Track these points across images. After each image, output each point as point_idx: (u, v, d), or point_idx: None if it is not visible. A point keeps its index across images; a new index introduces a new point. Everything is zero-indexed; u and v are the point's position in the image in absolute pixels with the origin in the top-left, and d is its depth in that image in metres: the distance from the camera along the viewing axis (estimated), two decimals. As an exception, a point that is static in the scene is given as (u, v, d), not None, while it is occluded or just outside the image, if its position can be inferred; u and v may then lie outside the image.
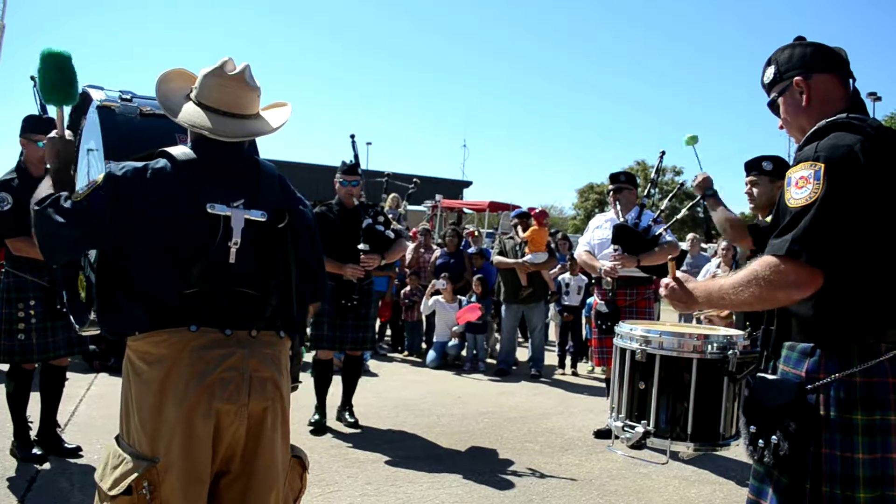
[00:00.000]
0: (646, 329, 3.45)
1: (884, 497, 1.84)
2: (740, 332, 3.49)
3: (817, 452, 1.86)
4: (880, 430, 1.84)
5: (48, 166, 2.43)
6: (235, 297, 2.18)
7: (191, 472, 2.06)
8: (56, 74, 2.52)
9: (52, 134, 2.47)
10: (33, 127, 4.30)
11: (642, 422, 3.31)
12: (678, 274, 2.21)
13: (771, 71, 2.14)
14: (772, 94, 2.15)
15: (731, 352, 3.21)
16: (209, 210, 2.14)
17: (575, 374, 8.54)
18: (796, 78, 2.06)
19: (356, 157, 5.68)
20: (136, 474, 2.03)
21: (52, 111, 3.56)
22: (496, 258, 8.36)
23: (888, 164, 1.85)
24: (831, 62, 2.06)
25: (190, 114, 2.24)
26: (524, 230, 8.32)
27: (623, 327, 3.56)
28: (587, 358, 8.84)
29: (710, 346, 3.27)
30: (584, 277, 8.77)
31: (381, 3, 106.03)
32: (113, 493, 2.04)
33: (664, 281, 2.23)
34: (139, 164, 2.18)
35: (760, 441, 1.93)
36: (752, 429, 1.97)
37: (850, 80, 2.08)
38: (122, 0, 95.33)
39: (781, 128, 2.16)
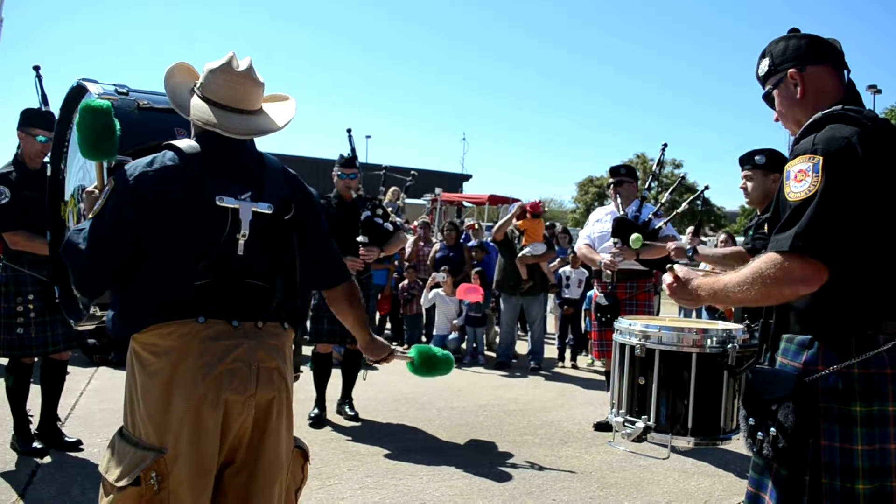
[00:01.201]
0: (645, 324, 3.45)
1: (882, 488, 1.84)
2: (739, 326, 3.49)
3: (816, 444, 1.86)
4: (878, 421, 1.84)
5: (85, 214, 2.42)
6: (243, 289, 2.19)
7: (198, 462, 2.07)
8: (98, 129, 2.45)
9: (92, 188, 2.48)
10: (31, 120, 4.28)
11: (643, 417, 3.31)
12: (679, 270, 2.19)
13: (765, 63, 2.13)
14: (766, 86, 2.14)
15: (730, 346, 3.21)
16: (218, 203, 2.15)
17: (575, 366, 8.54)
18: (790, 70, 2.05)
19: (353, 150, 5.68)
20: (144, 465, 2.03)
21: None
22: (494, 234, 8.36)
23: (885, 155, 1.85)
24: (825, 54, 2.05)
25: (198, 109, 2.25)
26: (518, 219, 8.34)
27: (622, 323, 3.56)
28: (587, 351, 8.86)
29: (709, 341, 3.27)
30: (584, 270, 8.76)
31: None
32: (120, 484, 2.04)
33: (666, 280, 2.21)
34: (146, 159, 2.19)
35: (759, 433, 1.93)
36: (751, 421, 1.96)
37: (845, 72, 2.07)
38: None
39: (777, 120, 2.15)
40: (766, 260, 1.87)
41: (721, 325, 3.62)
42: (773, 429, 1.89)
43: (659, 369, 3.30)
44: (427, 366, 2.81)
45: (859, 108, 1.96)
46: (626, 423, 3.39)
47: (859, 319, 1.87)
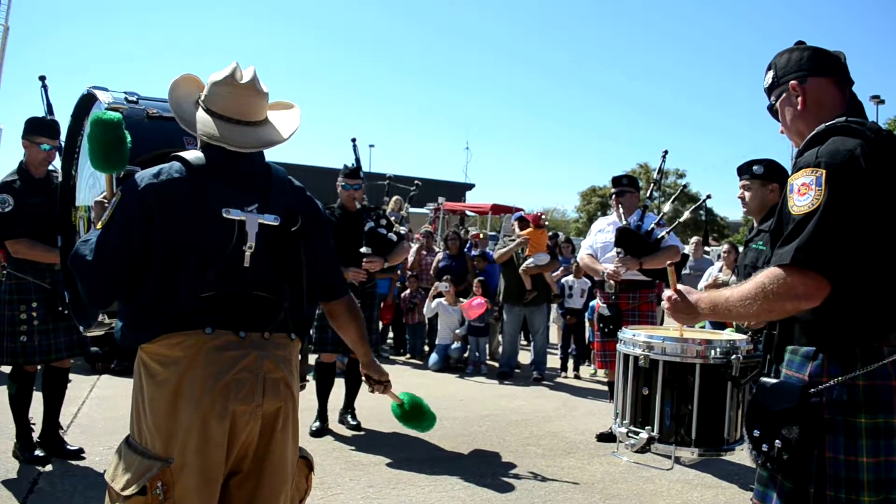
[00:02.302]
0: (648, 335, 3.44)
1: (887, 501, 1.83)
2: (743, 337, 3.49)
3: (821, 456, 1.85)
4: (884, 433, 1.84)
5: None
6: (250, 300, 2.19)
7: (205, 472, 2.07)
8: (108, 142, 2.46)
9: (101, 197, 2.48)
10: (36, 129, 4.30)
11: (646, 427, 3.30)
12: (679, 286, 2.19)
13: (770, 75, 2.14)
14: (771, 98, 2.15)
15: (734, 356, 3.20)
16: (224, 215, 2.15)
17: (577, 377, 8.51)
18: (791, 82, 2.06)
19: (358, 160, 5.68)
20: (150, 474, 2.03)
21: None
22: (497, 252, 8.35)
23: (888, 167, 1.85)
24: (828, 66, 2.06)
25: (203, 123, 2.25)
26: (521, 230, 8.34)
27: (626, 333, 3.55)
28: (590, 361, 8.85)
29: (712, 352, 3.26)
30: (587, 280, 8.75)
31: (384, 5, 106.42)
32: (126, 493, 2.04)
33: (666, 293, 2.21)
34: (153, 170, 2.20)
35: (765, 445, 1.92)
36: (756, 433, 1.95)
37: (848, 84, 2.07)
38: (123, 2, 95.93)
39: (782, 132, 2.17)
40: (768, 274, 1.86)
41: (725, 335, 3.61)
42: (777, 441, 1.88)
43: (663, 380, 3.30)
44: (413, 415, 2.75)
45: (862, 120, 1.96)
46: (629, 434, 3.37)
47: (864, 331, 1.87)
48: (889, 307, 1.86)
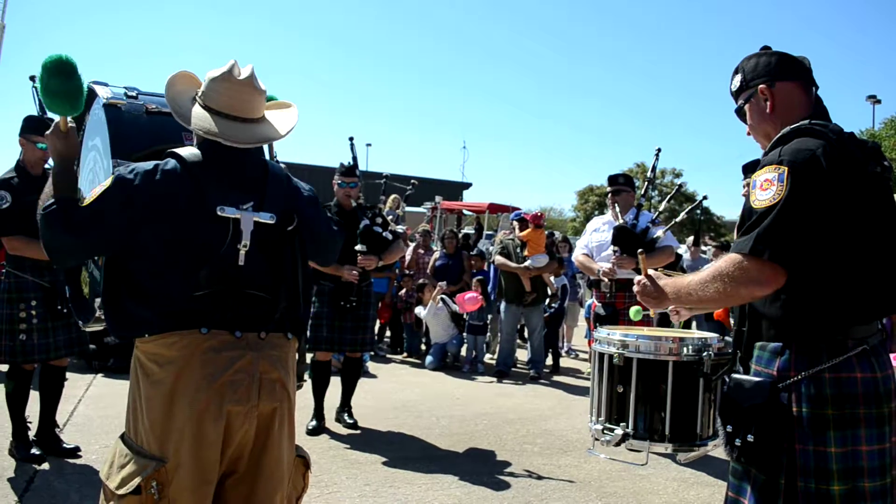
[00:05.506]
0: (623, 333, 3.49)
1: (855, 488, 1.90)
2: (714, 335, 3.54)
3: (791, 448, 1.93)
4: (850, 423, 1.91)
5: (50, 165, 2.38)
6: (245, 300, 2.18)
7: (199, 472, 2.07)
8: (61, 82, 2.40)
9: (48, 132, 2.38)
10: (32, 128, 4.31)
11: (621, 424, 3.35)
12: (650, 271, 2.28)
13: (738, 79, 2.21)
14: (739, 101, 2.23)
15: (705, 354, 3.26)
16: (219, 213, 2.14)
17: (577, 376, 8.52)
18: (761, 86, 2.13)
19: (354, 158, 5.70)
20: (144, 474, 2.03)
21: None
22: (498, 258, 8.34)
23: (849, 167, 1.92)
24: (794, 70, 2.13)
25: (200, 118, 2.24)
26: (521, 231, 8.34)
27: (601, 332, 3.60)
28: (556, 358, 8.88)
29: (685, 349, 3.32)
30: (564, 279, 8.79)
31: (381, 5, 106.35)
32: (121, 492, 2.04)
33: (637, 278, 2.30)
34: (148, 166, 2.19)
35: (737, 440, 1.99)
36: (729, 428, 2.02)
37: (813, 88, 2.15)
38: (121, 1, 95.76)
39: (749, 134, 2.24)
40: (726, 260, 1.96)
41: (697, 333, 3.67)
42: (750, 436, 1.95)
43: (637, 377, 3.34)
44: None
45: (826, 123, 2.04)
46: (605, 431, 3.42)
47: (829, 326, 1.94)
48: (851, 302, 1.93)
